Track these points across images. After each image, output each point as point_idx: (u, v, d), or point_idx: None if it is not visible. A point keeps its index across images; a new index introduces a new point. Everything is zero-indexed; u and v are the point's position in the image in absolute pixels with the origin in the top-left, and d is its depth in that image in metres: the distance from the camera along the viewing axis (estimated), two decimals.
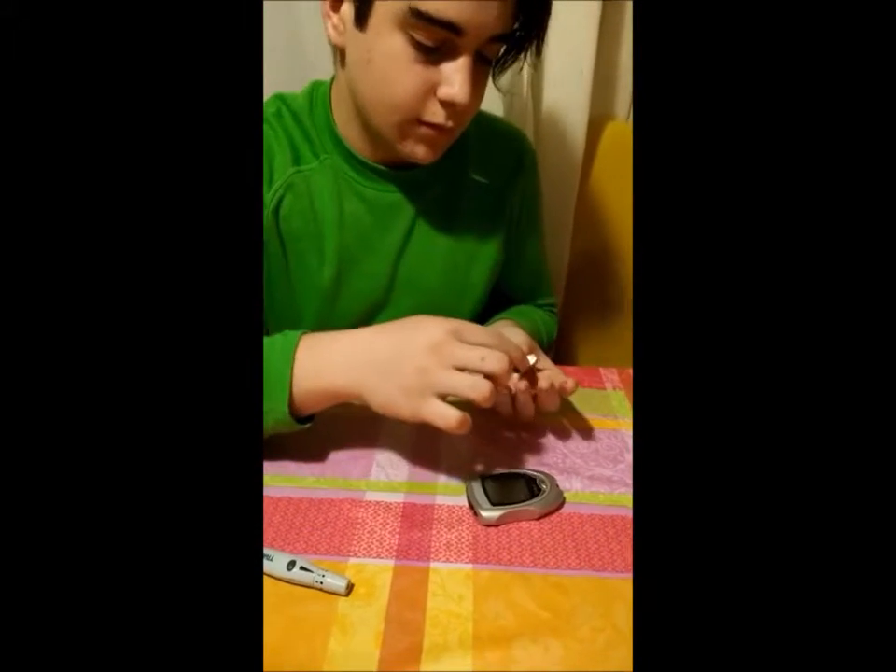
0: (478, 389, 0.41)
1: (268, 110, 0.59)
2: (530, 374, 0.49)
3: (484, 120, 0.65)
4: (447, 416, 0.42)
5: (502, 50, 0.50)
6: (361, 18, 0.47)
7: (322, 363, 0.45)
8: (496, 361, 0.42)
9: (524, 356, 0.46)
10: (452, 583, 0.39)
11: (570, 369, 0.64)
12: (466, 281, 0.65)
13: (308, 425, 0.48)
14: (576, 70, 0.78)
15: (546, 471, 0.48)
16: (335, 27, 0.50)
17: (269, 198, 0.57)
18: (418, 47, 0.46)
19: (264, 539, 0.42)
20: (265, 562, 0.39)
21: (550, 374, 0.51)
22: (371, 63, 0.48)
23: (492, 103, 0.79)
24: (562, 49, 0.77)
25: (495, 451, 0.51)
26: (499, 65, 0.52)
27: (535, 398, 0.50)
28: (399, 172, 0.59)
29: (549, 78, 0.80)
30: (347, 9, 0.48)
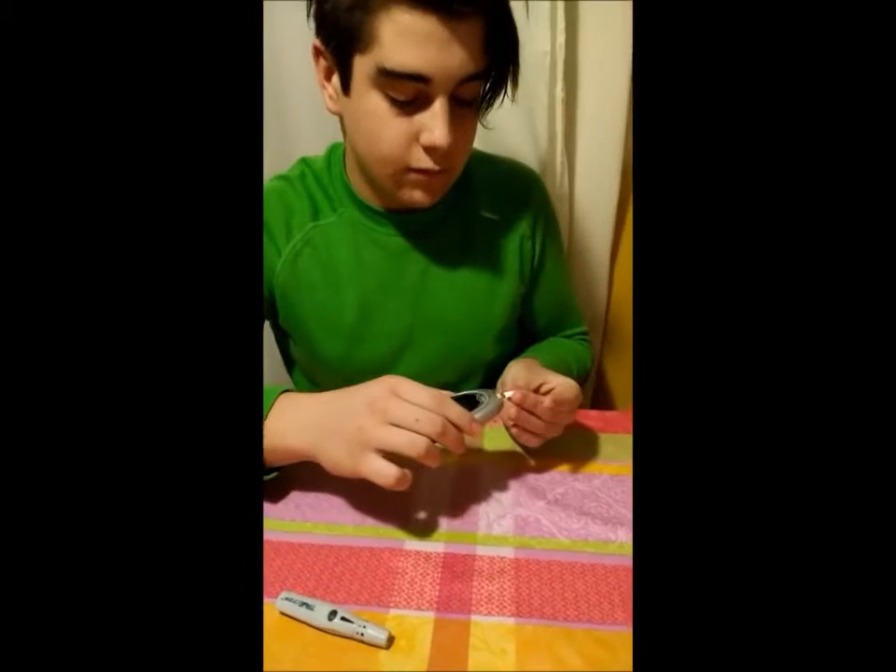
0: (415, 447, 0.41)
1: (293, 172, 0.64)
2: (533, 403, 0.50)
3: (490, 161, 0.68)
4: (385, 474, 0.42)
5: (483, 88, 0.51)
6: (345, 84, 0.51)
7: (285, 425, 0.47)
8: (429, 424, 0.42)
9: (470, 420, 0.44)
10: (494, 637, 0.38)
11: (610, 413, 0.64)
12: (487, 317, 0.66)
13: (274, 475, 0.49)
14: (609, 114, 0.80)
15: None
16: (330, 97, 0.54)
17: (287, 251, 0.62)
18: (394, 102, 0.49)
19: (306, 586, 0.42)
20: (306, 611, 0.39)
21: (554, 393, 0.51)
22: (359, 123, 0.52)
23: (526, 155, 0.82)
24: (595, 93, 0.79)
25: (536, 500, 0.50)
26: (485, 102, 0.53)
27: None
28: (411, 216, 0.61)
29: (582, 122, 0.82)
30: (336, 79, 0.52)
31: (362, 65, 0.48)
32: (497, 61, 0.50)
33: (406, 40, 0.45)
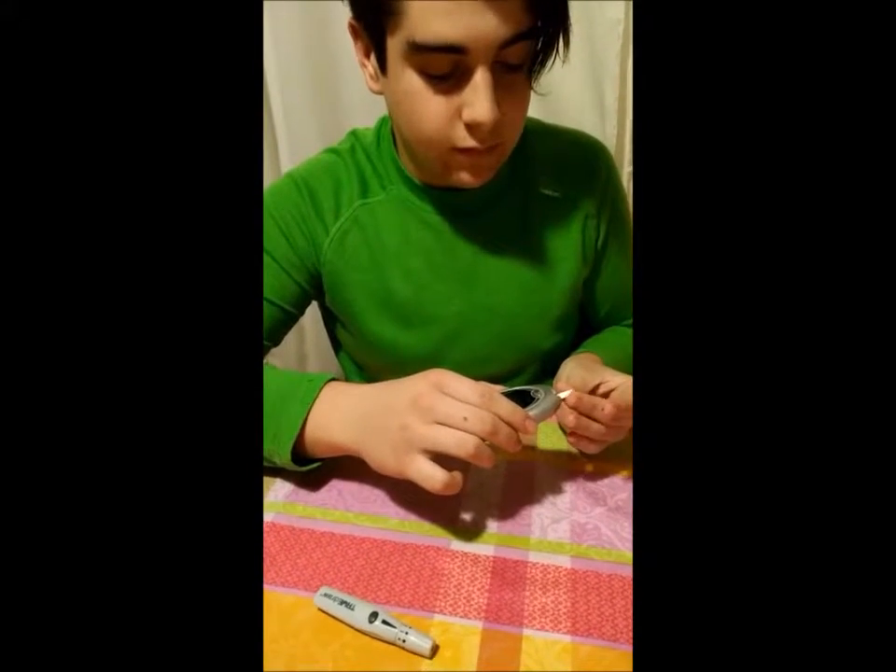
0: (463, 447, 0.39)
1: (343, 146, 0.61)
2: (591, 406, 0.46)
3: (551, 132, 0.62)
4: (432, 478, 0.39)
5: (533, 49, 0.45)
6: (381, 64, 0.47)
7: (330, 417, 0.45)
8: (478, 422, 0.39)
9: (524, 417, 0.41)
10: (548, 656, 0.35)
11: None
12: (544, 303, 0.62)
13: (317, 464, 0.48)
14: None
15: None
16: (371, 76, 0.51)
17: (334, 230, 0.59)
18: (431, 78, 0.45)
19: (345, 581, 0.40)
20: (346, 610, 0.37)
21: (615, 396, 0.47)
22: (399, 104, 0.48)
23: (592, 129, 0.76)
24: None
25: (595, 505, 0.46)
26: (536, 65, 0.46)
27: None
28: (462, 194, 0.57)
29: None
30: (374, 58, 0.48)
31: (395, 43, 0.44)
32: (545, 15, 0.44)
33: (434, 8, 0.41)
